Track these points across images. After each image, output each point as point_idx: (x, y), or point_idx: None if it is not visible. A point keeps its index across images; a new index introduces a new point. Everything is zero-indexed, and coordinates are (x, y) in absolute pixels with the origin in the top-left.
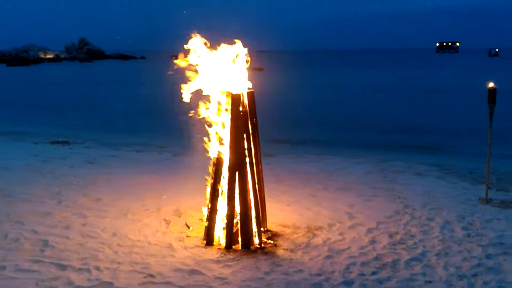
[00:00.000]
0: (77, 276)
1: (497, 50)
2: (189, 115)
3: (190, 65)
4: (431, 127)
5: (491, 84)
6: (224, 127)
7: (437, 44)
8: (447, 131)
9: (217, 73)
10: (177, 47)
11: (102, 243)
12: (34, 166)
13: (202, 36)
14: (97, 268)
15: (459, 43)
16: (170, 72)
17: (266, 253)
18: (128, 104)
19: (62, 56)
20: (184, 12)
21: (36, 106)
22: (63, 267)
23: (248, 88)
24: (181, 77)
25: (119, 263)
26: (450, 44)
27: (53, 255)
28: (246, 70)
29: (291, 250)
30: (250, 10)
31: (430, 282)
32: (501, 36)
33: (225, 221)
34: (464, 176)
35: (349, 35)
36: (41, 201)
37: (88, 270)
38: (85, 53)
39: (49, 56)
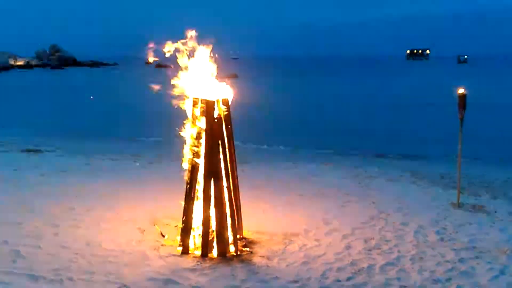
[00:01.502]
0: (49, 287)
1: (466, 57)
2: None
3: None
4: (402, 133)
5: (461, 90)
6: (199, 134)
7: (408, 51)
8: (419, 137)
9: (192, 80)
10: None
11: (75, 253)
12: (4, 175)
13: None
14: (70, 279)
15: (429, 50)
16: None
17: (242, 261)
18: (101, 112)
19: (33, 63)
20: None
21: (6, 114)
22: (35, 278)
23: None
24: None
25: (92, 273)
26: (420, 51)
27: (24, 266)
28: (215, 78)
29: (268, 257)
30: (222, 18)
31: (405, 286)
32: (469, 43)
33: (201, 229)
34: (436, 181)
35: (321, 42)
36: (11, 211)
37: (61, 281)
38: (56, 60)
39: (19, 63)
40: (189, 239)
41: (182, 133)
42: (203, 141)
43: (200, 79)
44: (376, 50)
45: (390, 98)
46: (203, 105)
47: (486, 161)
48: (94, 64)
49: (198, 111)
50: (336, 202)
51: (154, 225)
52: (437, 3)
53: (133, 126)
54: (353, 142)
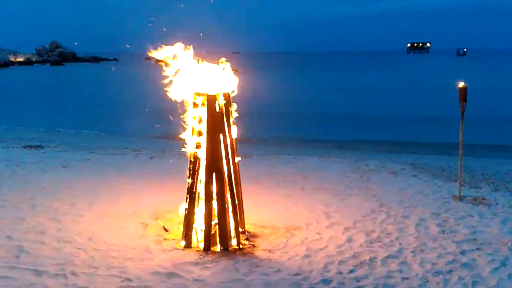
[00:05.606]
0: (53, 282)
1: (465, 50)
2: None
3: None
4: (403, 127)
5: (461, 84)
6: (200, 129)
7: (408, 45)
8: (419, 130)
9: (194, 75)
10: (150, 49)
11: (78, 248)
12: (6, 171)
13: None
14: (74, 273)
15: (430, 44)
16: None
17: (244, 254)
18: (101, 107)
19: (33, 59)
20: (151, 19)
21: (7, 110)
22: (39, 273)
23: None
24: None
25: (96, 267)
26: (421, 44)
27: (28, 261)
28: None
29: (270, 251)
30: (223, 12)
31: (406, 278)
32: (469, 36)
33: (203, 223)
34: (437, 174)
35: (320, 36)
36: (14, 207)
37: (65, 276)
38: (56, 55)
39: (20, 59)
40: (191, 233)
41: (184, 119)
42: (204, 135)
43: (200, 73)
44: (377, 44)
45: (391, 92)
46: (204, 99)
47: (487, 154)
48: (95, 59)
49: (199, 104)
50: (337, 195)
51: (157, 219)
52: None
53: (134, 121)
54: (354, 136)
